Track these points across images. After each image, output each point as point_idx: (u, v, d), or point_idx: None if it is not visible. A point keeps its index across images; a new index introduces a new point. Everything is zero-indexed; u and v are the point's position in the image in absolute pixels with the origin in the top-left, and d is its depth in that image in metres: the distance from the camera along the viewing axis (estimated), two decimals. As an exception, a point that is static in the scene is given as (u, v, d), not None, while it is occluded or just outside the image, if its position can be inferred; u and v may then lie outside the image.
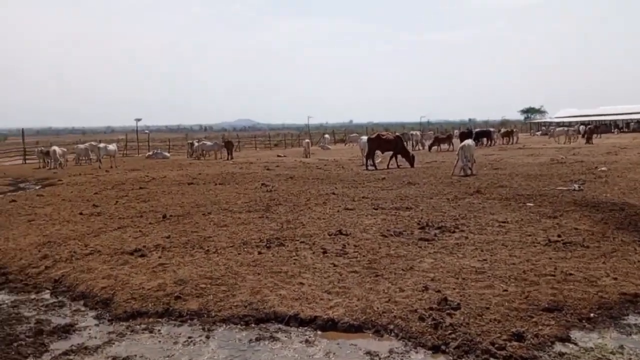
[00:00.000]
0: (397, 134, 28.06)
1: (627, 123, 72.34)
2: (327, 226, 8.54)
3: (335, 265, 6.24)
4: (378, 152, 21.56)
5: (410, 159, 20.53)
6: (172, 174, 20.68)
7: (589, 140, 35.85)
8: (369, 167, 20.09)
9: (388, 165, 20.48)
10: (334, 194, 12.62)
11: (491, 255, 6.47)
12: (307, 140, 36.93)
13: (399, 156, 20.82)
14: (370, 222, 8.81)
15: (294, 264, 6.40)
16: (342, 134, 72.27)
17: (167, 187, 15.66)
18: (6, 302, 5.86)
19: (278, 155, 34.52)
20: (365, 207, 10.35)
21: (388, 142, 20.72)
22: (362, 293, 5.27)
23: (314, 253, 6.86)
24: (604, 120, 75.73)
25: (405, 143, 24.57)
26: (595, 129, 42.13)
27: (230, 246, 7.39)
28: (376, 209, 10.05)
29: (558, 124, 77.44)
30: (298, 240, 7.56)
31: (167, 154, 38.34)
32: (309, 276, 5.89)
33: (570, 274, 5.63)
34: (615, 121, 74.65)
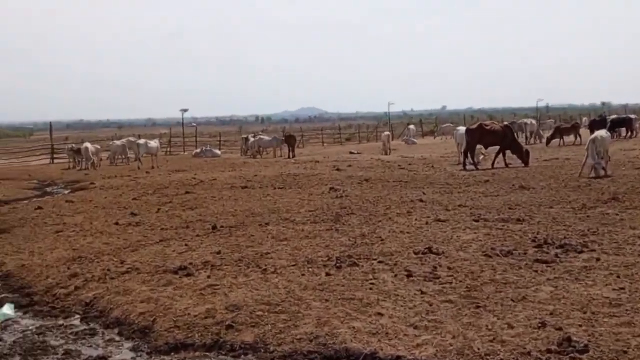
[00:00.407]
0: (505, 123, 27.52)
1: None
2: (412, 242, 8.51)
3: (423, 292, 6.21)
4: (481, 147, 21.23)
5: (524, 156, 20.12)
6: (223, 175, 21.36)
7: None
8: (468, 167, 19.86)
9: (493, 164, 20.15)
10: (421, 201, 12.57)
11: (631, 283, 6.20)
12: (386, 133, 36.80)
13: (508, 152, 20.41)
14: (468, 237, 8.69)
15: (370, 289, 6.42)
16: (432, 124, 71.61)
17: (217, 191, 16.20)
18: (30, 328, 6.29)
19: (350, 152, 34.78)
20: (462, 219, 10.24)
21: (493, 133, 20.44)
22: (458, 329, 5.21)
23: (395, 276, 6.85)
24: None
25: (516, 135, 24.00)
26: None
27: (292, 265, 7.53)
28: (477, 221, 9.92)
29: None
30: (375, 260, 7.58)
31: (218, 152, 39.70)
32: (390, 305, 5.89)
33: None
34: None
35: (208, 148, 39.67)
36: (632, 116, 40.49)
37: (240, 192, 15.92)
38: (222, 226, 10.53)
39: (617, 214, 10.04)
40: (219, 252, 8.41)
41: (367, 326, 5.39)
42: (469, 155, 20.32)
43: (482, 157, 21.62)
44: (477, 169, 19.52)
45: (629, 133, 37.21)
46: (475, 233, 8.99)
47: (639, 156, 21.71)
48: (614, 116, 41.64)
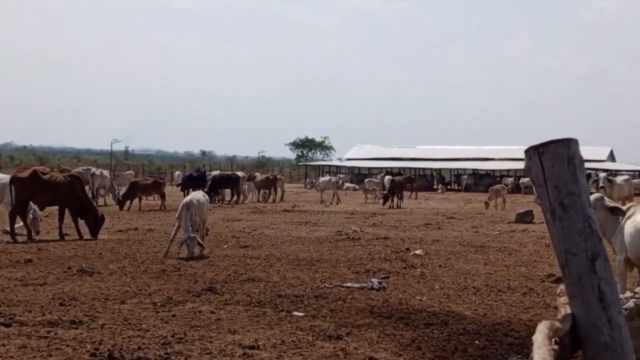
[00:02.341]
0: (72, 171, 27.88)
1: (458, 175, 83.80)
2: None
3: None
4: (33, 207, 21.05)
5: (98, 222, 20.60)
6: None
7: (387, 199, 40.08)
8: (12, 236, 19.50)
9: (61, 233, 20.19)
10: None
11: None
12: None
13: (70, 214, 20.62)
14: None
15: None
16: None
17: None
18: None
19: None
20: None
21: (55, 185, 20.35)
22: None
23: None
24: (423, 170, 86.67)
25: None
26: (404, 181, 47.82)
27: None
28: (8, 326, 9.54)
29: (350, 170, 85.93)
30: None
31: None
32: None
33: None
34: (440, 172, 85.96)
35: None
36: (240, 174, 44.83)
37: None
38: None
39: (213, 312, 10.71)
40: None
41: None
42: (16, 216, 19.99)
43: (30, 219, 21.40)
44: (15, 240, 19.16)
45: (236, 197, 40.98)
46: (3, 346, 8.62)
47: (247, 229, 24.00)
48: (217, 173, 45.49)
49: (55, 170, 25.71)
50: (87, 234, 20.46)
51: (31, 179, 20.30)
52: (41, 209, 21.79)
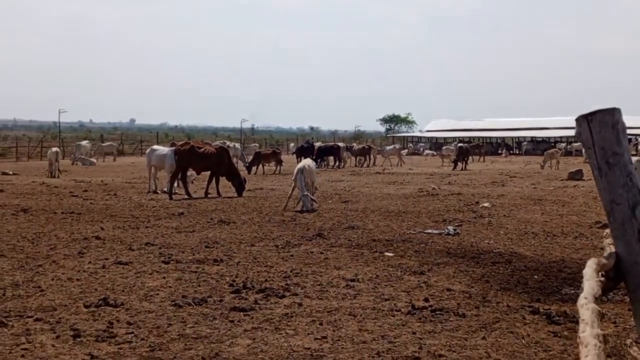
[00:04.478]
0: (218, 144, 28.54)
1: (519, 142, 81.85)
2: (83, 292, 8.15)
3: (93, 357, 5.93)
4: (192, 173, 21.71)
5: (238, 183, 21.07)
6: None
7: (457, 163, 39.51)
8: (172, 194, 20.22)
9: (207, 192, 20.84)
10: (98, 238, 12.21)
11: (334, 331, 6.72)
12: (54, 149, 33.65)
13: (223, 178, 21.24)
14: (156, 284, 8.63)
15: (23, 356, 5.94)
16: (119, 141, 70.72)
17: None
18: None
19: (4, 173, 32.36)
20: (149, 260, 10.16)
21: (207, 156, 20.86)
22: (136, 398, 5.09)
23: (57, 337, 6.44)
24: (490, 138, 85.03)
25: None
26: (472, 148, 47.32)
27: None
28: (167, 263, 9.93)
29: (430, 140, 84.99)
30: (32, 317, 7.06)
31: None
32: (50, 374, 5.52)
33: (441, 355, 6.08)
34: (504, 139, 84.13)
35: None
36: (340, 144, 44.92)
37: None
38: None
39: (322, 253, 10.91)
40: None
41: (17, 405, 4.97)
42: (176, 180, 20.77)
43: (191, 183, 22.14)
44: (172, 198, 19.71)
45: (337, 163, 41.08)
46: (164, 278, 8.96)
47: (346, 189, 24.11)
48: (321, 143, 45.72)
49: (209, 143, 26.54)
50: (227, 194, 20.93)
51: (190, 151, 20.91)
52: (197, 174, 22.81)
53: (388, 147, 51.89)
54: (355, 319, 7.16)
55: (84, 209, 16.86)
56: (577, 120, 3.04)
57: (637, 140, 41.19)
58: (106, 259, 10.27)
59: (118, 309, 7.42)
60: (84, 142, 52.33)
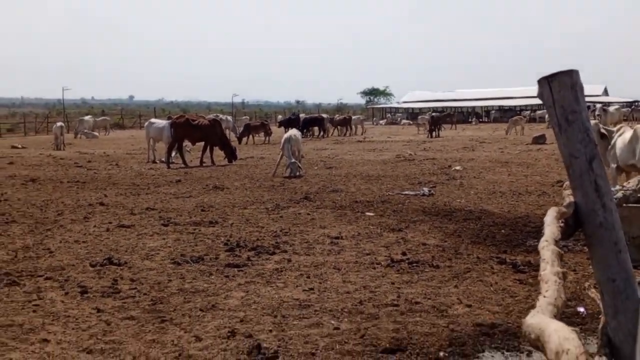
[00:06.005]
0: (212, 117, 28.48)
1: (488, 111, 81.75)
2: (89, 253, 8.16)
3: (100, 311, 5.95)
4: (187, 144, 21.68)
5: (230, 152, 21.05)
6: None
7: (431, 132, 39.51)
8: (170, 164, 20.22)
9: (202, 162, 20.83)
10: (101, 204, 12.19)
11: (320, 283, 6.77)
12: (59, 124, 33.77)
13: (216, 148, 21.16)
14: (156, 244, 8.66)
15: (35, 311, 5.94)
16: (119, 115, 70.24)
17: None
18: None
19: (13, 146, 32.16)
20: (149, 223, 10.18)
21: (201, 128, 20.79)
22: (140, 348, 5.10)
23: (66, 294, 6.46)
24: (461, 108, 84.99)
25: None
26: (444, 117, 47.35)
27: None
28: (166, 225, 9.95)
29: (406, 110, 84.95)
30: (42, 276, 7.07)
31: None
32: (59, 329, 5.51)
33: (417, 303, 6.13)
34: (474, 109, 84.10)
35: None
36: (324, 116, 44.85)
37: None
38: None
39: (308, 214, 10.94)
40: None
41: (29, 356, 4.97)
42: (173, 151, 20.75)
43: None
44: (169, 167, 19.68)
45: (321, 132, 41.05)
46: (164, 239, 8.98)
47: (330, 156, 24.10)
48: (306, 115, 45.60)
49: (203, 116, 26.44)
50: (221, 162, 20.89)
51: (185, 123, 20.90)
52: (193, 144, 22.86)
53: (354, 117, 51.64)
54: (339, 272, 7.21)
55: (88, 178, 16.78)
56: (539, 81, 3.02)
57: (594, 107, 41.58)
58: (110, 222, 10.25)
59: (122, 268, 7.42)
60: (87, 117, 51.86)
